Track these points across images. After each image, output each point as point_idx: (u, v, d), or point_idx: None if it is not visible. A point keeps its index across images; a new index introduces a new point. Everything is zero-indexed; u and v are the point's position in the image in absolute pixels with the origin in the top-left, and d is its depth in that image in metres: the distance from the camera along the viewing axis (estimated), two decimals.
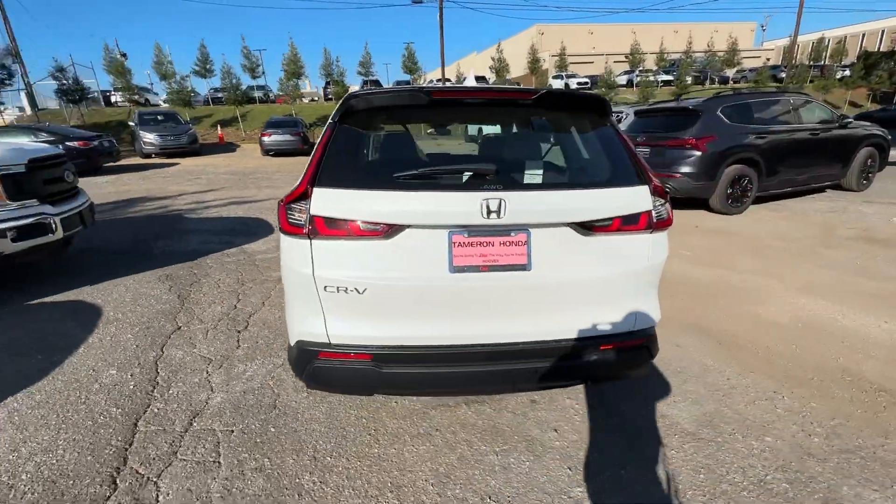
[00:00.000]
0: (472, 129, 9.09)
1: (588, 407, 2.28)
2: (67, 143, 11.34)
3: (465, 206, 1.55)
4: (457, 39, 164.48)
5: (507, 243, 1.62)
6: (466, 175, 1.67)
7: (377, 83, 33.70)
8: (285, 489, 1.77)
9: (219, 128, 21.59)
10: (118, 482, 1.79)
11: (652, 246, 1.76)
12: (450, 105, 1.85)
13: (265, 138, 16.40)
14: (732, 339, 2.93)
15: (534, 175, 1.92)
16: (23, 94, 23.95)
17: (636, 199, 1.71)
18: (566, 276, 1.67)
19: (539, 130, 2.10)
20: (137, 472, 1.84)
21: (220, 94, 28.64)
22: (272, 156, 16.88)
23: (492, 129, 2.08)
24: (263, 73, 28.72)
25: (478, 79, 33.08)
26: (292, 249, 1.63)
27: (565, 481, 1.82)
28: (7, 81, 19.01)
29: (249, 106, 27.99)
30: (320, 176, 1.60)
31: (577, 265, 1.69)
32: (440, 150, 7.51)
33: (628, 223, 1.71)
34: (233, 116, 24.10)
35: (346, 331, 1.67)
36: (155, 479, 1.81)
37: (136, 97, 25.87)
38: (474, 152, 2.05)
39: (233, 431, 2.10)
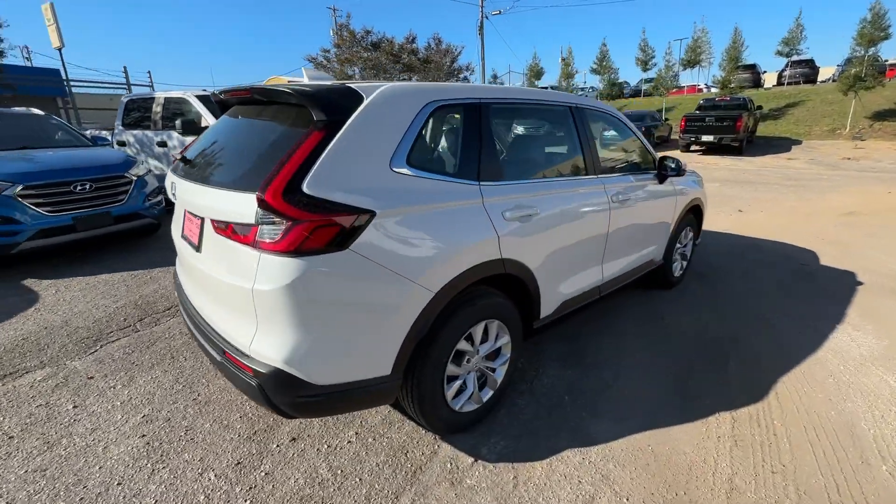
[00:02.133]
0: None
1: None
2: None
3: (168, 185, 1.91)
4: None
5: (194, 224, 1.84)
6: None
7: (808, 62, 25.59)
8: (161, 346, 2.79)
9: None
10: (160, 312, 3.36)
11: (261, 268, 1.44)
12: (232, 103, 2.06)
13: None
14: None
15: (218, 167, 1.80)
16: None
17: (242, 207, 1.46)
18: (212, 269, 1.69)
19: (255, 125, 1.86)
20: (168, 309, 3.36)
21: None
22: None
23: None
24: (654, 64, 27.82)
25: None
26: None
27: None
28: None
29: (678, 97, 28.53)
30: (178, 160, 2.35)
31: (215, 261, 1.66)
32: None
33: (239, 232, 1.49)
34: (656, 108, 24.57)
35: None
36: (174, 314, 3.26)
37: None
38: None
39: None
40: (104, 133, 8.21)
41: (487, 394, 2.16)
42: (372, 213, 1.52)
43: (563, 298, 2.45)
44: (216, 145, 1.98)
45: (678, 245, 3.75)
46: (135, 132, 6.84)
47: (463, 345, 1.93)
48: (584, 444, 2.02)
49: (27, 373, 2.55)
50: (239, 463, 1.91)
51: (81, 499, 1.72)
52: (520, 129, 2.21)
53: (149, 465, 1.89)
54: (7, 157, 4.26)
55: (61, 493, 1.74)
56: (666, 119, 19.89)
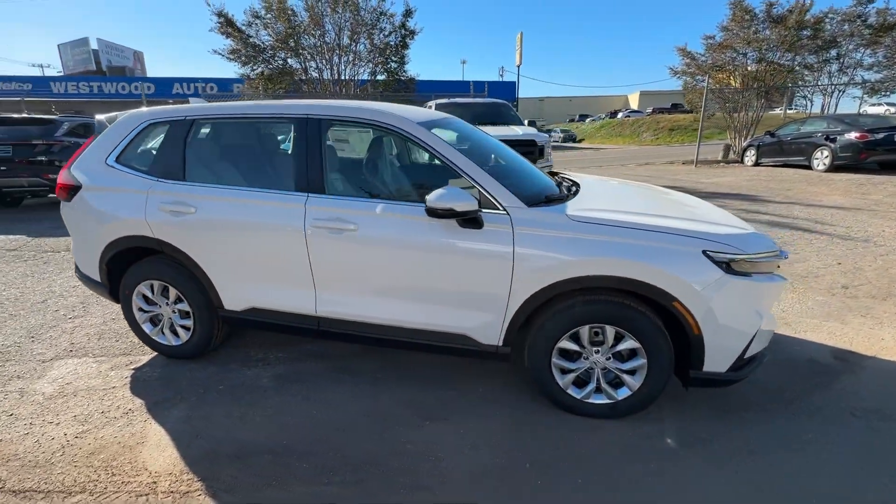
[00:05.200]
0: None
1: None
2: (848, 135, 10.48)
3: None
4: None
5: None
6: None
7: None
8: None
9: None
10: None
11: None
12: None
13: None
14: None
15: None
16: None
17: None
18: None
19: None
20: None
21: None
22: None
23: None
24: None
25: None
26: None
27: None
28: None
29: None
30: None
31: None
32: None
33: None
34: None
35: None
36: None
37: None
38: None
39: None
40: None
41: (178, 341, 2.82)
42: (80, 185, 2.70)
43: (254, 304, 2.56)
44: None
45: (580, 348, 2.21)
46: None
47: (144, 290, 2.75)
48: (158, 408, 2.40)
49: None
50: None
51: None
52: (225, 140, 2.40)
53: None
54: None
55: None
56: None
